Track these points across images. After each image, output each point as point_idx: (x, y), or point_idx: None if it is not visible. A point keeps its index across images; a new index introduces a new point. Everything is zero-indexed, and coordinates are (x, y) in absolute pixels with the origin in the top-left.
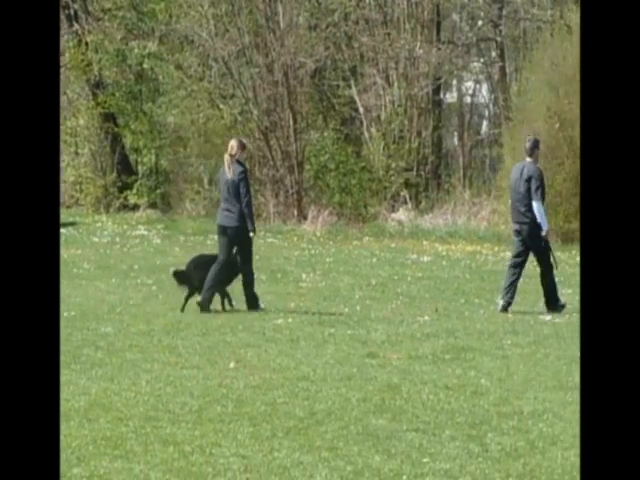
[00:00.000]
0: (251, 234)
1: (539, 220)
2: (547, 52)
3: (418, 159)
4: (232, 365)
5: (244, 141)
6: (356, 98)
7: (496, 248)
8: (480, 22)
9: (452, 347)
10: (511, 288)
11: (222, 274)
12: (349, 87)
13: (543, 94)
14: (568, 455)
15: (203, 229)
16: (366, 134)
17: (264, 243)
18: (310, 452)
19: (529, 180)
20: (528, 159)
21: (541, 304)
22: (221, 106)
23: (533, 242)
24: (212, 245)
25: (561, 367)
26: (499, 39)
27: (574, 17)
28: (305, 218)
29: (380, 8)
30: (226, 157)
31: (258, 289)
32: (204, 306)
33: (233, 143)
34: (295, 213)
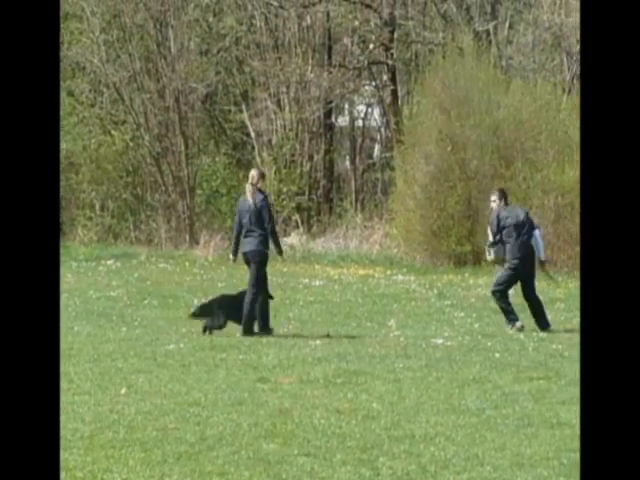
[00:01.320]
0: (280, 257)
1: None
2: (439, 75)
3: (310, 183)
4: (123, 391)
5: (263, 170)
6: (247, 123)
7: (388, 271)
8: (371, 45)
9: (344, 371)
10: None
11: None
12: (240, 112)
13: (435, 117)
14: (460, 479)
15: (95, 255)
16: (257, 158)
17: (155, 268)
18: (201, 477)
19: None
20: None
21: (433, 327)
22: (113, 132)
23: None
24: (104, 272)
25: (453, 390)
26: (391, 62)
27: (466, 39)
28: (197, 243)
29: (271, 32)
30: (247, 187)
31: (150, 314)
32: (249, 331)
33: (254, 173)
34: (187, 238)
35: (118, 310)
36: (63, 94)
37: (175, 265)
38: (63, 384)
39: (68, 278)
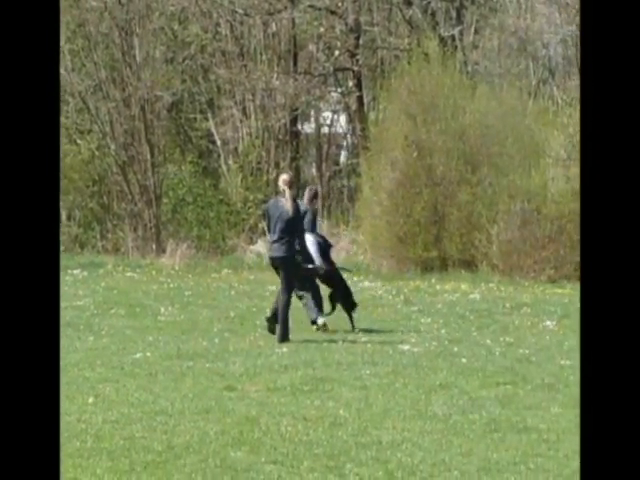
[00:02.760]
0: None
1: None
2: (404, 80)
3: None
4: (91, 400)
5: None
6: (213, 131)
7: (355, 278)
8: (337, 52)
9: (311, 378)
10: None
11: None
12: (206, 120)
13: (401, 123)
14: None
15: (62, 265)
16: (224, 166)
17: (122, 277)
18: None
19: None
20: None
21: (400, 333)
22: (78, 141)
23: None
24: (71, 281)
25: (420, 396)
26: (356, 68)
27: (431, 44)
28: (164, 251)
29: (237, 40)
30: (288, 191)
31: (117, 323)
32: (285, 339)
33: (287, 177)
34: (153, 247)
35: (85, 319)
36: None
37: (142, 274)
38: None
39: None
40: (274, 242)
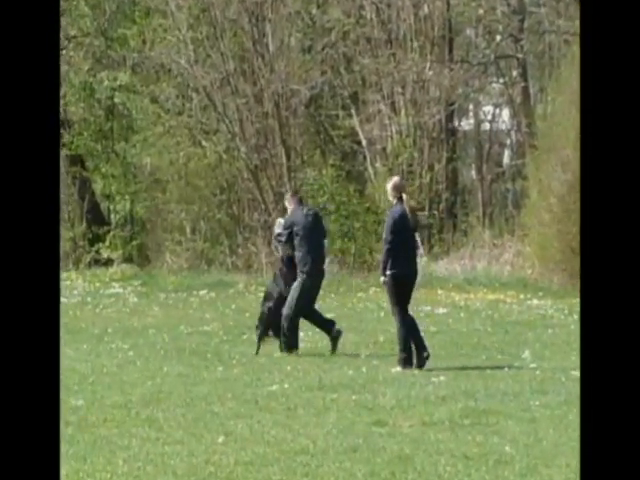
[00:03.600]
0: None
1: None
2: (575, 68)
3: (430, 196)
4: (220, 439)
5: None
6: (358, 129)
7: (521, 295)
8: (498, 37)
9: (472, 411)
10: None
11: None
12: (350, 117)
13: (572, 117)
14: None
15: (186, 285)
16: (370, 170)
17: (255, 299)
18: None
19: None
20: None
21: (573, 358)
22: (204, 143)
23: None
24: (197, 304)
25: None
26: (521, 56)
27: None
28: None
29: (383, 25)
30: (406, 197)
31: (250, 350)
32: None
33: (398, 182)
34: None
35: (213, 347)
36: (146, 101)
37: None
38: (151, 433)
39: (155, 311)
40: (410, 259)
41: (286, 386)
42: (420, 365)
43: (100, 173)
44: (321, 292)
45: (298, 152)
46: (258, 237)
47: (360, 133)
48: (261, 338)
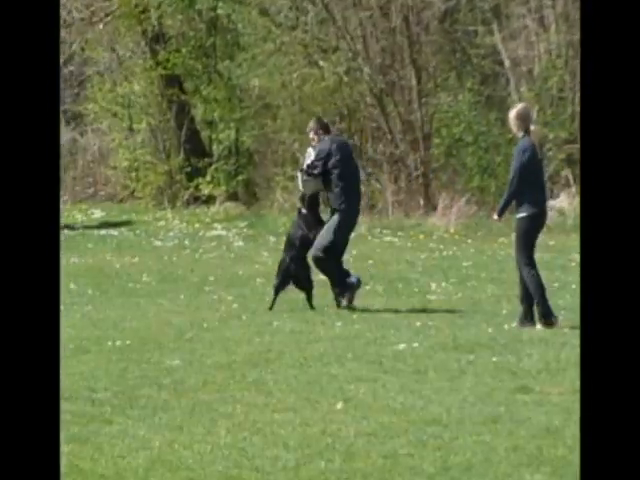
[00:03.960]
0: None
1: None
2: None
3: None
4: (339, 406)
5: None
6: (500, 48)
7: None
8: None
9: None
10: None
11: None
12: (490, 33)
13: None
14: None
15: None
16: (514, 95)
17: (380, 243)
18: None
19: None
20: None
21: None
22: (321, 63)
23: None
24: None
25: None
26: None
27: None
28: (434, 209)
29: None
30: (536, 132)
31: (373, 303)
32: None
33: (528, 111)
34: (421, 203)
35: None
36: (254, 12)
37: (405, 239)
38: (258, 398)
39: (263, 258)
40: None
41: (415, 345)
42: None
43: (201, 96)
44: (456, 237)
45: (430, 74)
46: (383, 172)
47: (502, 52)
48: (278, 291)
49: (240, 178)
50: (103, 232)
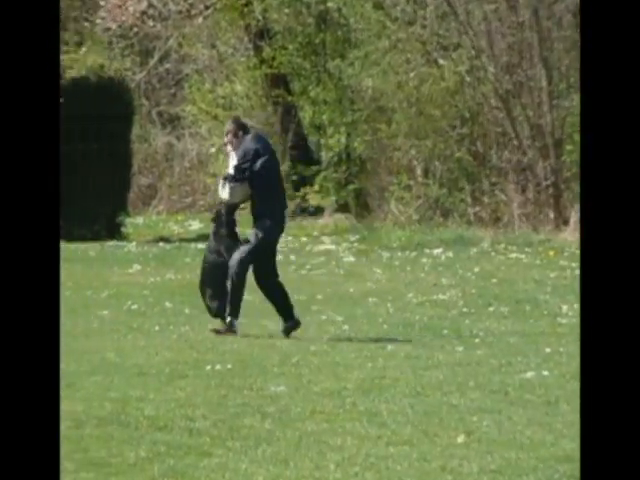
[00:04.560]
0: None
1: None
2: None
3: None
4: (460, 439)
5: None
6: None
7: None
8: None
9: None
10: None
11: None
12: None
13: None
14: None
15: (416, 241)
16: None
17: (505, 260)
18: None
19: None
20: None
21: None
22: (440, 62)
23: None
24: (430, 265)
25: None
26: None
27: None
28: (566, 223)
29: None
30: None
31: (498, 326)
32: None
33: None
34: (551, 216)
35: (450, 321)
36: (367, 6)
37: (534, 255)
38: (371, 429)
39: (376, 275)
40: None
41: (545, 373)
42: None
43: (309, 98)
44: None
45: (562, 73)
46: (509, 182)
47: None
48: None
49: (351, 187)
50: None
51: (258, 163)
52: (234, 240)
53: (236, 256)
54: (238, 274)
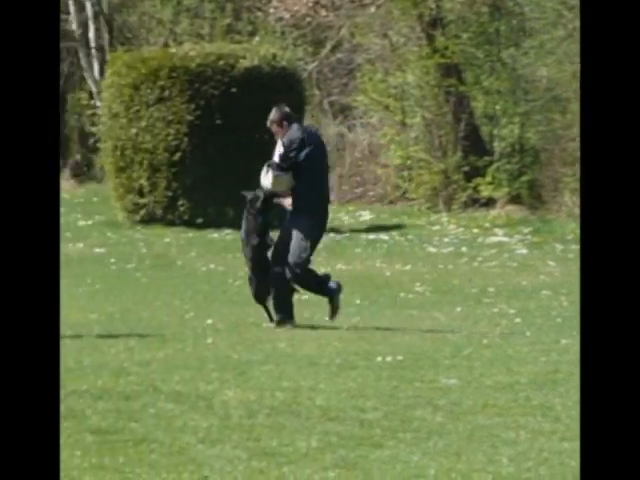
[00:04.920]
0: None
1: None
2: None
3: None
4: None
5: None
6: None
7: None
8: None
9: None
10: None
11: None
12: None
13: None
14: None
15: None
16: None
17: None
18: None
19: None
20: None
21: None
22: None
23: None
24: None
25: None
26: None
27: None
28: None
29: None
30: None
31: None
32: None
33: None
34: None
35: None
36: None
37: None
38: (545, 424)
39: (550, 268)
40: None
41: None
42: None
43: (482, 88)
44: None
45: None
46: None
47: None
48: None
49: (524, 179)
50: (372, 236)
51: (303, 153)
52: (263, 231)
53: (291, 260)
54: (298, 275)
